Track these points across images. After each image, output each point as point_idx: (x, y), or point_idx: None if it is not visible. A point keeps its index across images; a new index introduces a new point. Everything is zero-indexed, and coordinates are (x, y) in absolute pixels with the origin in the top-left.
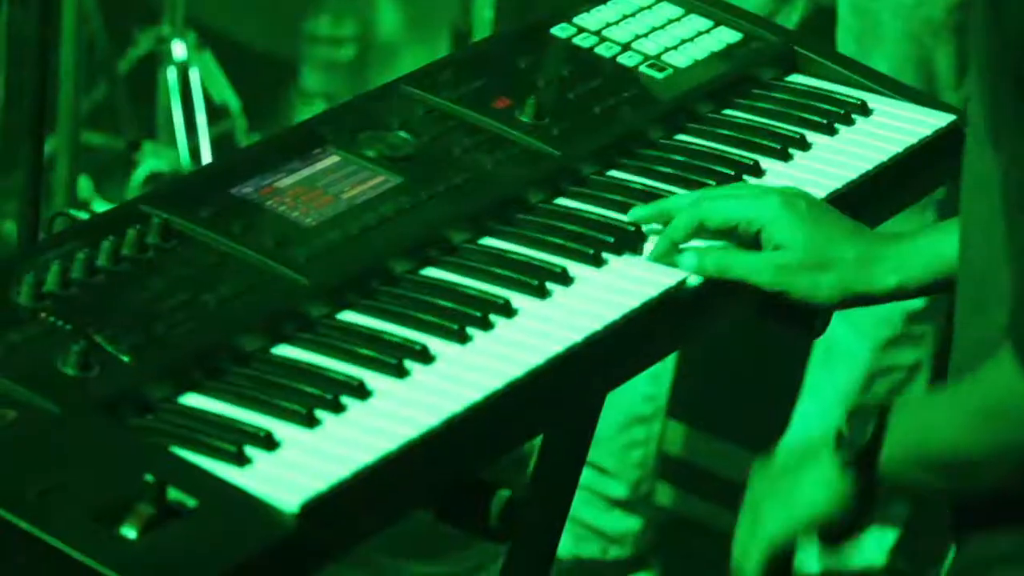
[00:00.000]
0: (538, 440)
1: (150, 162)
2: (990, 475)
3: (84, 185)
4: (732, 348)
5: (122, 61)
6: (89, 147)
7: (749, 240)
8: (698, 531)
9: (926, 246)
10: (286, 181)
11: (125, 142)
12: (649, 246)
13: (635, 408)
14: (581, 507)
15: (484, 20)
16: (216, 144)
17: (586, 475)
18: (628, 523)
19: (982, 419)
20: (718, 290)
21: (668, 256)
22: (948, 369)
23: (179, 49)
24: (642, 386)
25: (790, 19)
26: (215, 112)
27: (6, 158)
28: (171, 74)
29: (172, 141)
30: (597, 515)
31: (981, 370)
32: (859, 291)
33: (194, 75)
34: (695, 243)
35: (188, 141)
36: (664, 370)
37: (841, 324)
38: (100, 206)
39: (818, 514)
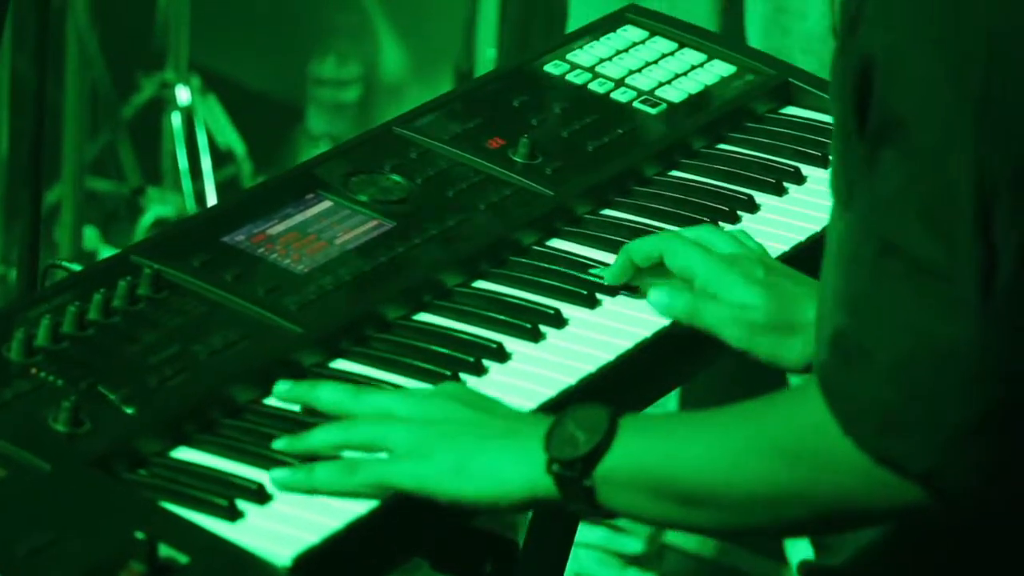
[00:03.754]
0: None
1: (156, 208)
2: (770, 514)
3: (90, 235)
4: (736, 387)
5: (126, 107)
6: (94, 193)
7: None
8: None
9: None
10: (278, 228)
11: (130, 188)
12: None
13: None
14: (597, 568)
15: (487, 58)
16: (222, 188)
17: (600, 534)
18: None
19: (777, 456)
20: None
21: (623, 275)
22: None
23: (183, 94)
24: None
25: None
26: (220, 156)
27: (11, 205)
28: (175, 119)
29: (178, 186)
30: (614, 574)
31: (776, 406)
32: None
33: (198, 120)
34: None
35: (194, 186)
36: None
37: None
38: (107, 253)
39: (482, 498)
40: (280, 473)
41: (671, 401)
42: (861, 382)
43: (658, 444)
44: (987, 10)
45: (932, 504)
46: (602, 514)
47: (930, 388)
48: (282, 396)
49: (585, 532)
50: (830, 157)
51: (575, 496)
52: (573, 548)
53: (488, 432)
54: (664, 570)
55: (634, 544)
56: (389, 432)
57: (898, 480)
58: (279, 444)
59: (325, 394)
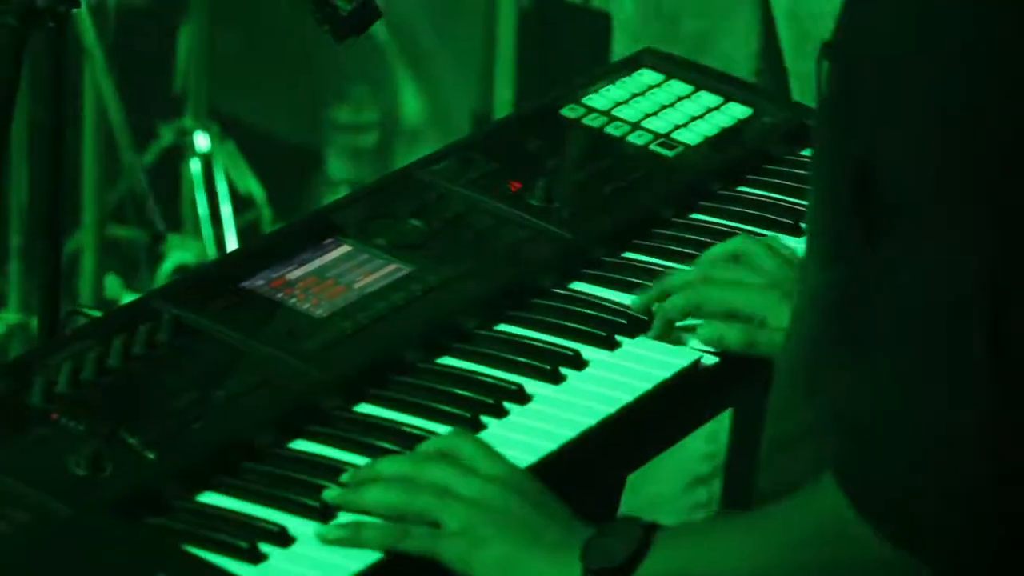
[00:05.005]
0: None
1: (177, 254)
2: None
3: (112, 283)
4: None
5: (145, 154)
6: (115, 241)
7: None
8: None
9: None
10: (297, 272)
11: (150, 235)
12: None
13: (694, 469)
14: None
15: (504, 100)
16: (242, 234)
17: None
18: None
19: (799, 549)
20: (731, 369)
21: (666, 335)
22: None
23: (202, 140)
24: (700, 445)
25: None
26: (240, 202)
27: (31, 253)
28: (195, 165)
29: (198, 232)
30: None
31: (796, 500)
32: None
33: (218, 166)
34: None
35: (214, 232)
36: (721, 427)
37: None
38: (128, 300)
39: None
40: (327, 531)
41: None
42: (872, 468)
43: (689, 552)
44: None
45: None
46: None
47: (942, 470)
48: (336, 501)
49: None
50: (805, 208)
51: None
52: None
53: (539, 538)
54: None
55: None
56: (448, 508)
57: (916, 561)
58: (331, 495)
59: (385, 468)
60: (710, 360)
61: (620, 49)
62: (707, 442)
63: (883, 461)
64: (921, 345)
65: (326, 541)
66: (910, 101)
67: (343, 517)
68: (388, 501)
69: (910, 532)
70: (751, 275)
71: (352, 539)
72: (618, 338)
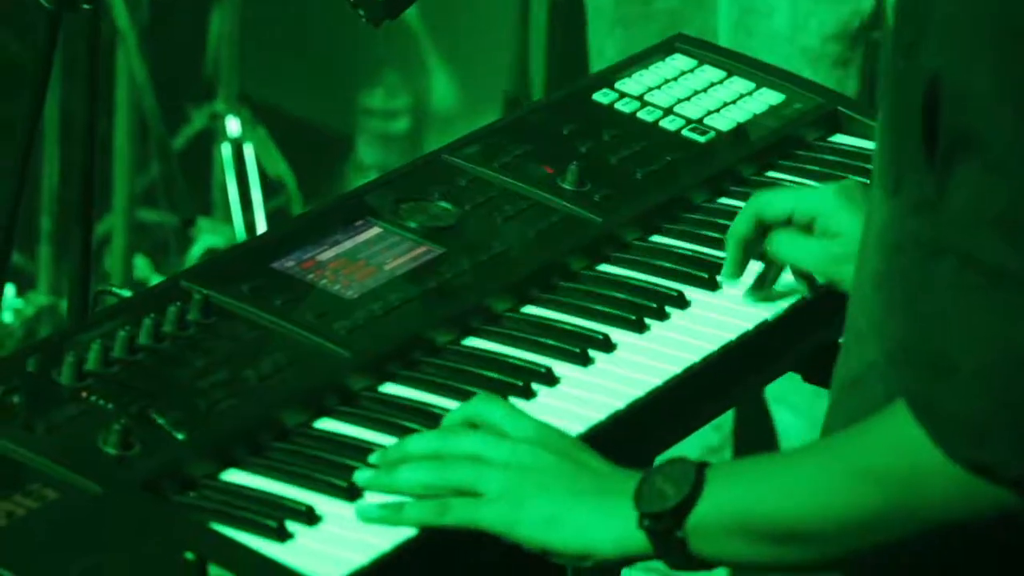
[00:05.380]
0: None
1: (206, 238)
2: (866, 539)
3: (141, 264)
4: None
5: (176, 138)
6: (145, 225)
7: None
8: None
9: None
10: (328, 254)
11: (180, 219)
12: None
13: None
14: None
15: (537, 87)
16: (272, 218)
17: None
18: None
19: (868, 478)
20: (759, 353)
21: (741, 261)
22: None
23: (233, 125)
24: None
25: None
26: (270, 187)
27: (63, 238)
28: (225, 150)
29: (228, 217)
30: None
31: (860, 433)
32: None
33: (248, 151)
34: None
35: (244, 217)
36: (724, 418)
37: None
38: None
39: (571, 551)
40: (368, 510)
41: None
42: (949, 394)
43: (746, 488)
44: None
45: None
46: (696, 565)
47: (1018, 394)
48: (368, 484)
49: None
50: (873, 147)
51: (668, 549)
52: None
53: (579, 487)
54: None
55: None
56: (483, 475)
57: (991, 487)
58: (362, 477)
59: (413, 447)
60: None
61: (595, 33)
62: (713, 431)
63: (958, 386)
64: (991, 269)
65: (367, 521)
66: (981, 16)
67: (372, 496)
68: (422, 480)
69: (987, 458)
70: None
71: (393, 519)
72: (647, 321)
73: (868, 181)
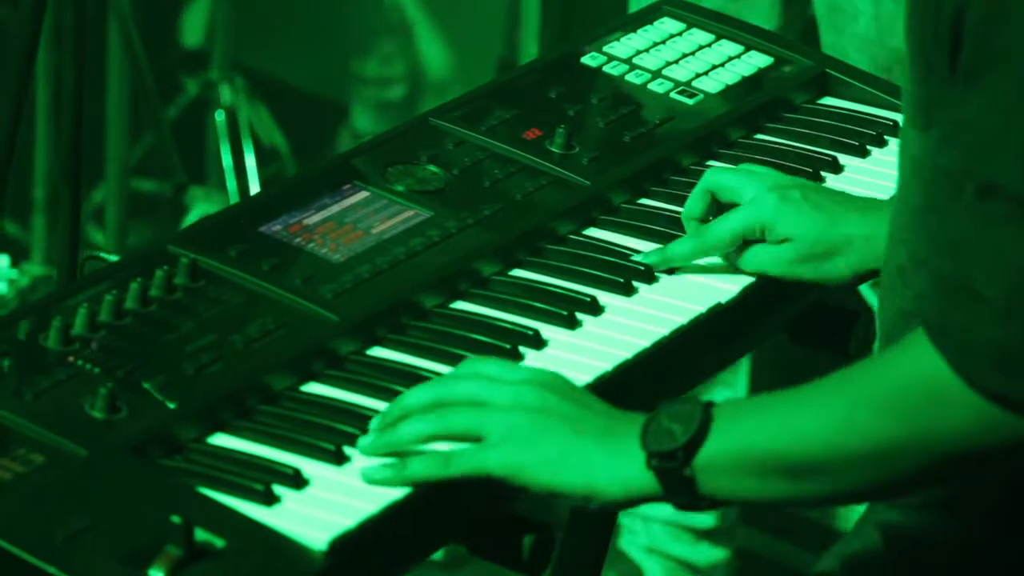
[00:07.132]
0: None
1: (201, 206)
2: (883, 471)
3: (134, 233)
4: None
5: (170, 106)
6: (139, 193)
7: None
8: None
9: None
10: (315, 218)
11: (174, 187)
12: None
13: None
14: (670, 542)
15: (530, 53)
16: (266, 187)
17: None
18: (717, 554)
19: (885, 409)
20: (747, 316)
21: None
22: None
23: (227, 93)
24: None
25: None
26: (265, 155)
27: (54, 207)
28: (219, 118)
29: (222, 185)
30: (686, 549)
31: (876, 363)
32: (873, 267)
33: (242, 118)
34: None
35: (238, 185)
36: (738, 380)
37: None
38: None
39: (576, 492)
40: (372, 471)
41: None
42: (972, 322)
43: (756, 423)
44: None
45: None
46: (706, 505)
47: None
48: (371, 449)
49: (657, 507)
50: (902, 86)
51: (677, 489)
52: (646, 523)
53: (584, 427)
54: (736, 544)
55: (706, 519)
56: (485, 419)
57: (1012, 417)
58: (365, 441)
59: (412, 400)
60: (728, 303)
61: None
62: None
63: (980, 314)
64: (1015, 197)
65: (371, 482)
66: None
67: (360, 459)
68: (425, 431)
69: (1008, 387)
70: (749, 179)
71: (398, 477)
72: (635, 284)
73: (805, 180)
